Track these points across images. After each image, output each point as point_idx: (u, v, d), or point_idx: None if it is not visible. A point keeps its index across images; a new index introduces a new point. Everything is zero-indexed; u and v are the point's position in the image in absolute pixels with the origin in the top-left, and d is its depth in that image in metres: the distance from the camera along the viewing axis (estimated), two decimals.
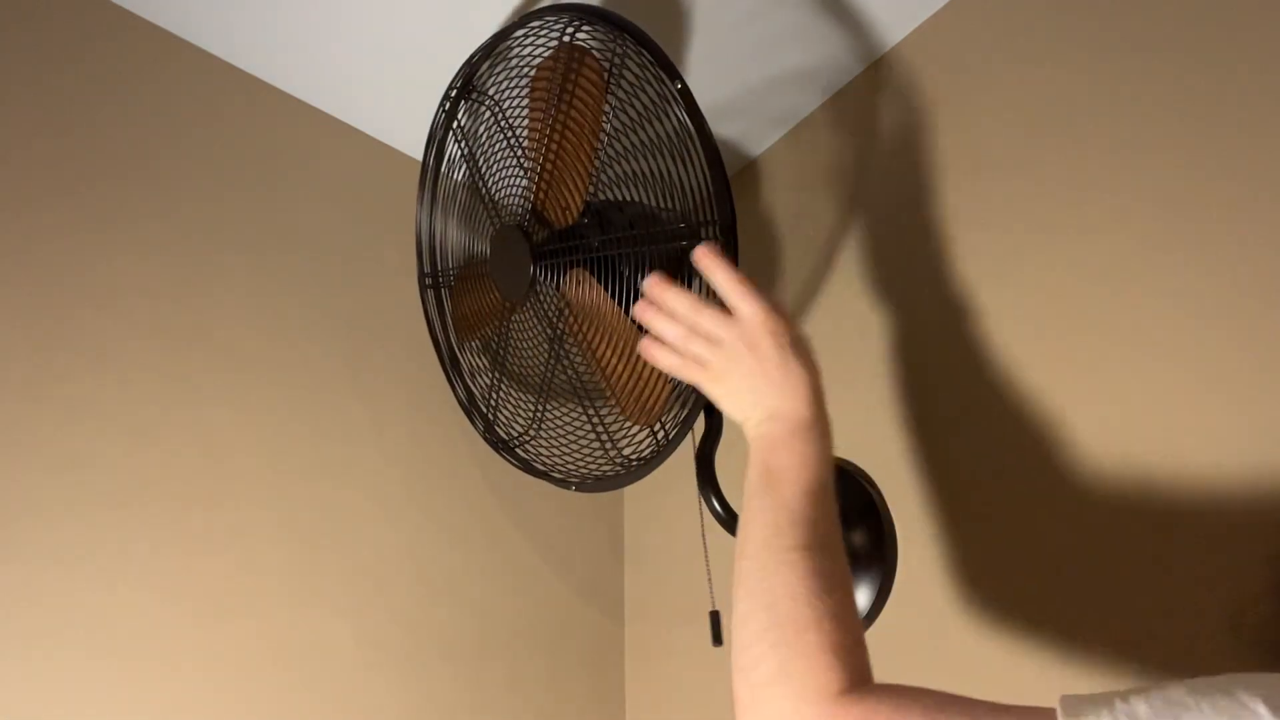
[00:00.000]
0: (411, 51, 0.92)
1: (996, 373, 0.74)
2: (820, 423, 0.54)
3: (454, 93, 0.85)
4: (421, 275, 0.94)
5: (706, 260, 0.56)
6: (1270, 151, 0.60)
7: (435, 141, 0.89)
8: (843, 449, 0.85)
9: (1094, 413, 0.66)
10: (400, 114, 1.01)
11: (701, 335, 0.56)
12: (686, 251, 0.63)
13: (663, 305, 0.58)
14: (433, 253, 0.93)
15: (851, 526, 0.80)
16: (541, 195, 0.76)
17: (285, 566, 0.80)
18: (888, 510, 0.79)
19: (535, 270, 0.73)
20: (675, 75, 0.62)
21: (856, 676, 0.44)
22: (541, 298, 0.77)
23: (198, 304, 0.82)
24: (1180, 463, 0.60)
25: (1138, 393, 0.64)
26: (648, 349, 0.59)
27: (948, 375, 0.78)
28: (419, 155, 1.06)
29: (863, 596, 0.78)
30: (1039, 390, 0.70)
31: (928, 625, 0.74)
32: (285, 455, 0.83)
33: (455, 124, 0.87)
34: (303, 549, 0.81)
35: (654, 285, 0.58)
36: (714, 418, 0.80)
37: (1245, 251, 0.60)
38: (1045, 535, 0.67)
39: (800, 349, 0.54)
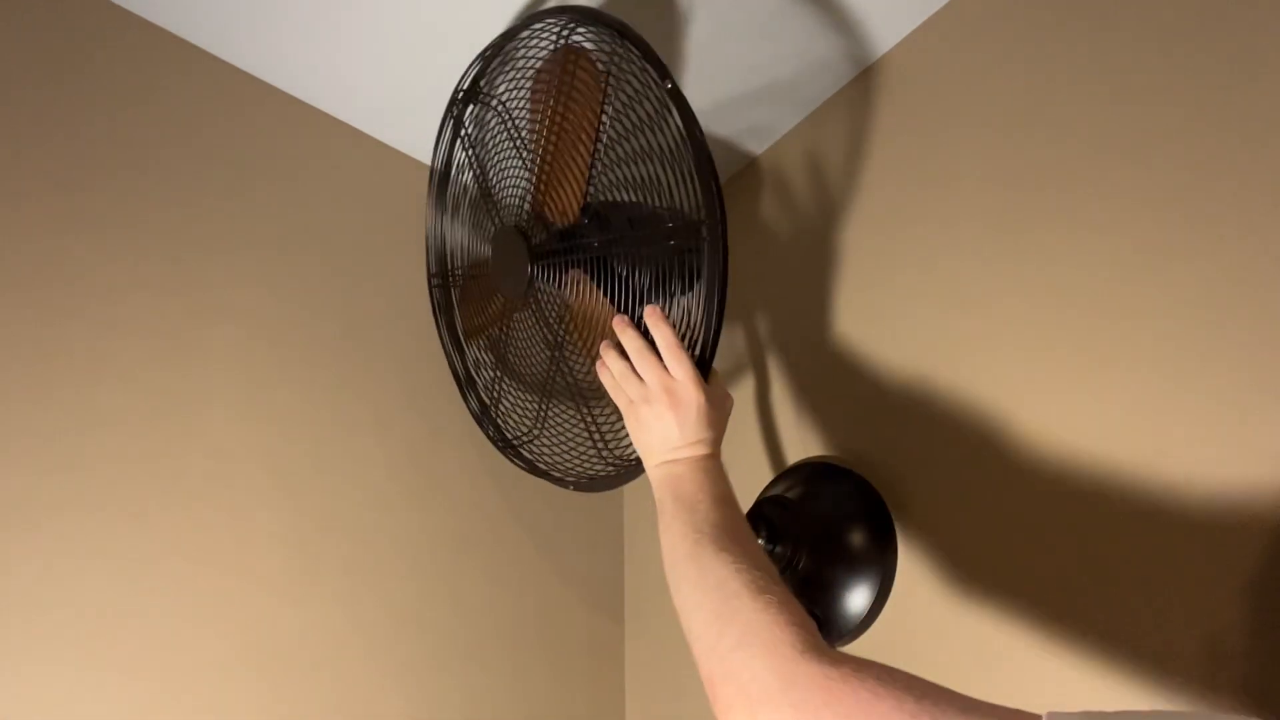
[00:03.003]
0: (416, 52, 0.92)
1: (992, 372, 0.74)
2: (715, 465, 0.63)
3: (460, 94, 0.86)
4: (429, 275, 0.94)
5: (652, 319, 0.65)
6: (1265, 154, 0.60)
7: (442, 143, 0.90)
8: (842, 446, 0.86)
9: (1085, 419, 0.66)
10: (403, 116, 1.01)
11: (635, 377, 0.65)
12: (681, 252, 0.64)
13: (620, 339, 0.67)
14: (441, 254, 0.94)
15: (851, 527, 0.80)
16: (541, 195, 0.76)
17: (286, 566, 0.80)
18: (887, 510, 0.79)
19: (533, 271, 0.74)
20: (666, 75, 0.63)
21: (817, 641, 0.45)
22: (541, 299, 0.77)
23: (199, 304, 0.82)
24: (1169, 477, 0.60)
25: (1126, 399, 0.64)
26: (600, 369, 0.69)
27: (945, 374, 0.78)
28: (422, 157, 1.07)
29: (862, 597, 0.78)
30: (1032, 393, 0.71)
31: (927, 625, 0.74)
32: (287, 456, 0.83)
33: (463, 127, 0.87)
34: (304, 549, 0.81)
35: (617, 323, 0.67)
36: None
37: (1243, 258, 0.60)
38: (1041, 540, 0.67)
39: (712, 410, 0.64)
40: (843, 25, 0.91)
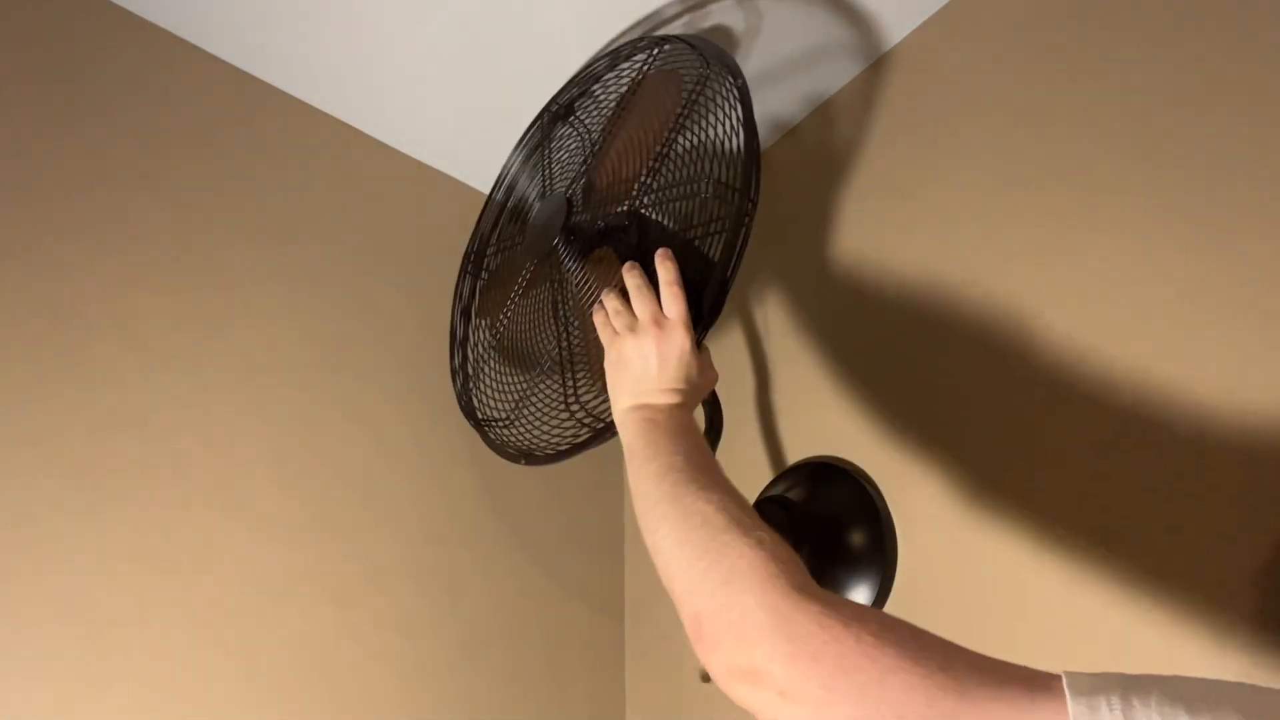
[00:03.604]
0: (418, 55, 0.92)
1: (992, 372, 0.74)
2: (690, 419, 0.61)
3: (556, 108, 0.90)
4: (467, 255, 0.96)
5: (661, 258, 0.64)
6: (1268, 144, 0.60)
7: (521, 149, 0.94)
8: (842, 446, 0.86)
9: (1086, 419, 0.66)
10: (407, 119, 1.01)
11: (629, 313, 0.64)
12: (697, 280, 0.65)
13: (625, 278, 0.66)
14: (485, 238, 0.95)
15: (851, 526, 0.80)
16: (597, 164, 0.78)
17: (286, 568, 0.80)
18: (887, 510, 0.79)
19: (564, 236, 0.74)
20: (738, 73, 0.68)
21: (810, 582, 0.43)
22: (559, 268, 0.76)
23: (200, 304, 0.82)
24: (1172, 475, 0.60)
25: (1129, 400, 0.64)
26: (595, 310, 0.68)
27: (945, 375, 0.78)
28: (425, 159, 1.08)
29: (862, 597, 0.78)
30: (1032, 393, 0.70)
31: (927, 625, 0.74)
32: (287, 457, 0.83)
33: (550, 140, 0.91)
34: (304, 550, 0.81)
35: (626, 267, 0.66)
36: (715, 414, 0.80)
37: (1246, 247, 0.60)
38: (1041, 540, 0.67)
39: (695, 363, 0.62)
40: (851, 18, 0.91)
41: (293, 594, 0.79)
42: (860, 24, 0.92)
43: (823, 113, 1.02)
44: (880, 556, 0.77)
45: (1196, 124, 0.65)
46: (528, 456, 0.76)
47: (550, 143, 0.90)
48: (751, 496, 0.90)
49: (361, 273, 0.97)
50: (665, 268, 0.63)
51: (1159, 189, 0.66)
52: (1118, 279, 0.67)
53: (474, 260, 0.95)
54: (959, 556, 0.73)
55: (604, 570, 1.07)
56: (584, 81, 0.89)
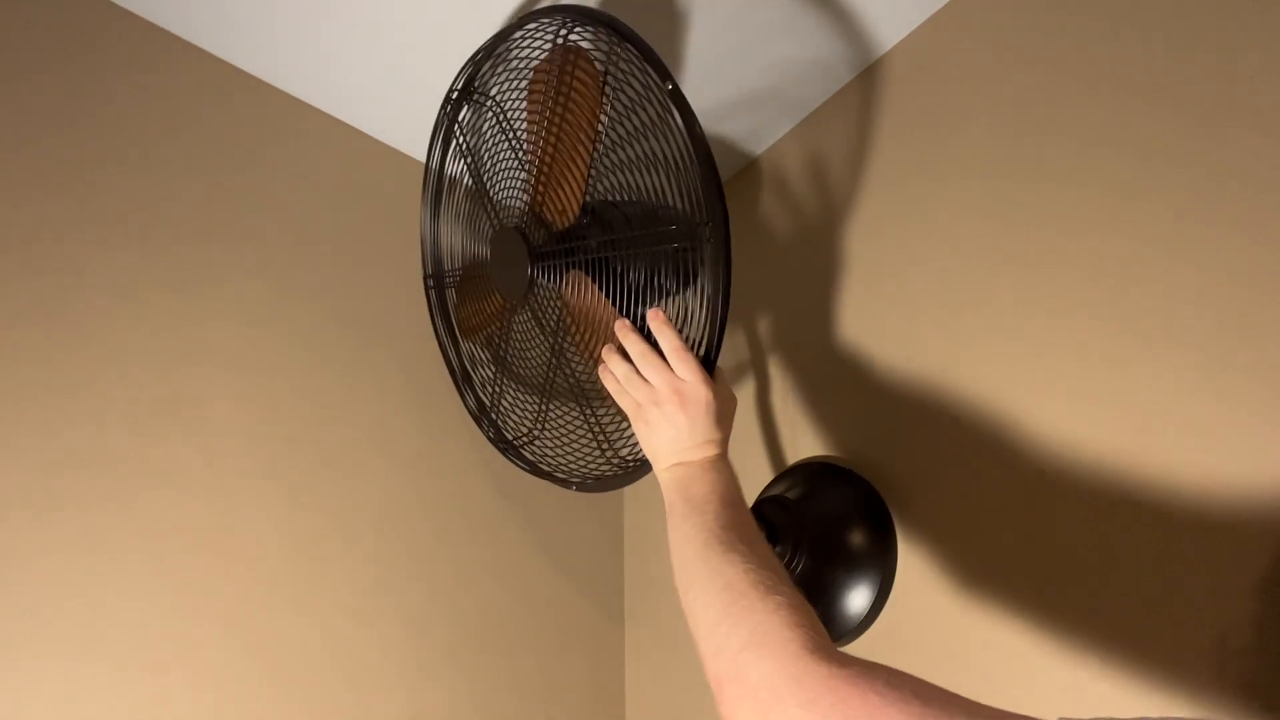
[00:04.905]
0: (414, 52, 0.92)
1: (993, 373, 0.74)
2: (724, 465, 0.63)
3: (455, 94, 0.86)
4: (425, 277, 0.94)
5: (655, 323, 0.65)
6: (1267, 150, 0.60)
7: (437, 142, 0.90)
8: (840, 449, 0.86)
9: (1087, 420, 0.66)
10: (403, 115, 1.01)
11: (641, 380, 0.65)
12: (681, 252, 0.64)
13: (623, 343, 0.66)
14: (436, 254, 0.93)
15: (851, 527, 0.80)
16: (539, 197, 0.76)
17: (285, 567, 0.80)
18: (887, 510, 0.79)
19: (533, 272, 0.73)
20: (666, 76, 0.62)
21: (826, 642, 0.45)
22: (540, 299, 0.77)
23: (199, 303, 0.82)
24: (1174, 479, 0.60)
25: (1129, 400, 0.64)
26: (603, 373, 0.69)
27: (945, 374, 0.78)
28: (422, 156, 1.07)
29: (863, 597, 0.78)
30: (1034, 393, 0.70)
31: (927, 626, 0.74)
32: (286, 455, 0.83)
33: (457, 126, 0.87)
34: (303, 549, 0.81)
35: (619, 327, 0.66)
36: None
37: (1242, 252, 0.60)
38: (1042, 541, 0.67)
39: (720, 410, 0.64)
40: (843, 25, 0.91)
41: (291, 596, 0.79)
42: (850, 33, 0.92)
43: (815, 120, 1.02)
44: (880, 556, 0.78)
45: (1190, 126, 0.65)
46: (581, 484, 0.77)
47: (460, 131, 0.86)
48: (752, 496, 0.90)
49: (364, 274, 0.96)
50: (665, 335, 0.64)
51: (1152, 194, 0.66)
52: (1113, 280, 0.67)
53: (435, 288, 0.93)
54: (960, 556, 0.73)
55: (604, 571, 1.07)
56: (478, 61, 0.82)
